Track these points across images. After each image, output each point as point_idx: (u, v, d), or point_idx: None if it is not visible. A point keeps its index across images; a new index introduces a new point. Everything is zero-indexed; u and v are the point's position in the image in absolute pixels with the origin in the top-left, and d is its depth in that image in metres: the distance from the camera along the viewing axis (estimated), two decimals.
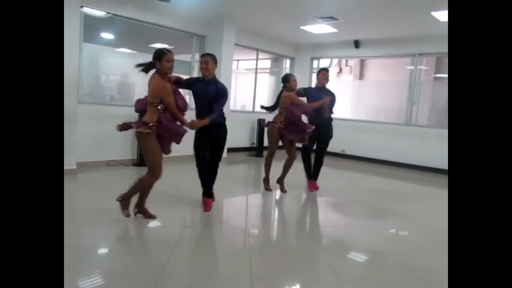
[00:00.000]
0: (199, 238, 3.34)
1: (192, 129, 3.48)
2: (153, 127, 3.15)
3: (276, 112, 4.86)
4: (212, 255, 2.97)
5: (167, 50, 3.24)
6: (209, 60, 3.67)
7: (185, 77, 5.49)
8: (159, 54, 3.19)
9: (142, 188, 3.35)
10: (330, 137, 5.18)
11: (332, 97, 4.99)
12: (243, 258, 2.79)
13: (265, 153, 8.17)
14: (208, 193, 3.93)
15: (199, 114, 3.74)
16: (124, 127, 3.25)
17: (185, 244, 3.06)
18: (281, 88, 4.82)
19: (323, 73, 5.11)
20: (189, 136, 3.51)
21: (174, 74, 3.49)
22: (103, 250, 2.91)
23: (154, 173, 3.26)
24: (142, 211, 3.46)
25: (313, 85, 5.46)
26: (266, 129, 4.86)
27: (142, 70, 3.29)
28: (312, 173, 5.25)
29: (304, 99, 4.92)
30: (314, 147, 5.19)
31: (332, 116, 5.10)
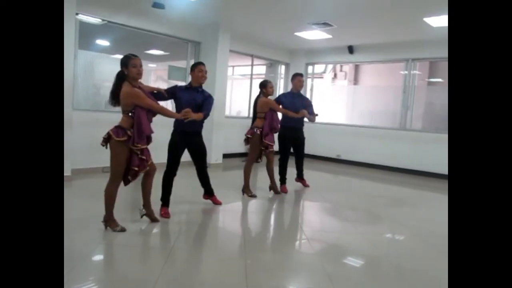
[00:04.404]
0: (194, 244, 3.33)
1: (185, 119, 3.37)
2: (128, 132, 3.13)
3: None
4: (208, 262, 2.96)
5: (133, 55, 3.19)
6: (206, 69, 3.79)
7: (180, 83, 5.52)
8: (125, 60, 3.15)
9: (109, 197, 3.23)
10: (304, 138, 5.44)
11: (307, 102, 5.33)
12: (238, 264, 2.79)
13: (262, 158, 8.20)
14: (166, 202, 3.83)
15: (186, 123, 3.66)
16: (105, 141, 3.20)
17: (180, 251, 3.05)
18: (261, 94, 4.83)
19: (298, 78, 5.26)
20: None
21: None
22: (98, 257, 2.90)
23: (115, 179, 3.22)
24: (110, 222, 3.30)
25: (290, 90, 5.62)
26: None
27: (117, 85, 3.19)
28: (297, 172, 5.59)
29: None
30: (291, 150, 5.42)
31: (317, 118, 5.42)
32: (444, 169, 6.73)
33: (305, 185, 5.62)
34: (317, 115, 5.29)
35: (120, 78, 3.19)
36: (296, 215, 4.60)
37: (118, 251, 3.00)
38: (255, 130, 4.69)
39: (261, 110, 4.69)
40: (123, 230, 3.26)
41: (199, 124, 3.80)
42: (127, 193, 5.24)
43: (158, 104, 3.29)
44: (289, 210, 4.72)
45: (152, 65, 7.89)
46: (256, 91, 8.86)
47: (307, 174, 5.61)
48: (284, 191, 5.23)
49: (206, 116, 3.68)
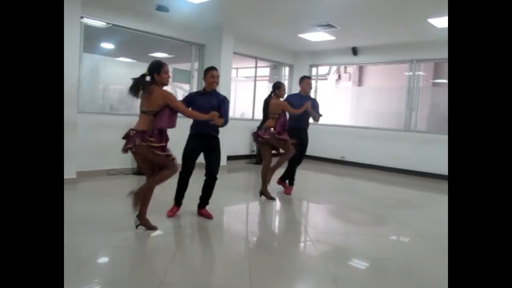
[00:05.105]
0: (198, 246, 3.34)
1: (211, 120, 3.49)
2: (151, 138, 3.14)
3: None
4: (212, 264, 2.97)
5: (163, 62, 3.31)
6: (218, 74, 3.85)
7: (184, 86, 5.53)
8: (158, 67, 3.25)
9: (163, 179, 3.31)
10: (307, 140, 5.36)
11: (315, 102, 5.28)
12: (242, 267, 2.79)
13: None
14: (178, 202, 3.91)
15: (200, 126, 3.77)
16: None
17: (184, 253, 3.06)
18: (273, 95, 4.88)
19: (307, 81, 5.27)
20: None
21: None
22: (103, 260, 2.91)
23: (175, 167, 3.32)
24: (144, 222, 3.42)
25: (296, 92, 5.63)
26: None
27: (141, 87, 3.22)
28: (284, 174, 5.38)
29: None
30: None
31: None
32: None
33: (288, 192, 5.35)
34: (321, 115, 5.29)
35: (144, 80, 3.23)
36: (300, 217, 4.59)
37: (123, 253, 3.00)
38: (271, 130, 4.73)
39: (274, 111, 4.76)
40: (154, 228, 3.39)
41: (214, 127, 3.82)
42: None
43: (185, 108, 3.42)
44: (293, 212, 4.71)
45: None
46: (259, 93, 8.92)
47: (310, 175, 5.59)
48: (288, 192, 5.23)
49: (226, 122, 3.74)
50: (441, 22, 5.78)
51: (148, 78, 3.25)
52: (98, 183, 5.34)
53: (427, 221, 4.40)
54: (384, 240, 3.71)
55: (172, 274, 2.60)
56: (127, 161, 6.18)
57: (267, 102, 4.82)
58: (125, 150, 3.22)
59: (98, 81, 6.18)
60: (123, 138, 3.21)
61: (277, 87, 4.83)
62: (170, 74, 3.33)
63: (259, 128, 4.86)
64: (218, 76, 3.84)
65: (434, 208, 5.23)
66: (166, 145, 3.29)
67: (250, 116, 8.84)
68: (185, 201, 3.99)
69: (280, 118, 4.74)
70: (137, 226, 3.44)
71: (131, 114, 6.43)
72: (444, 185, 6.58)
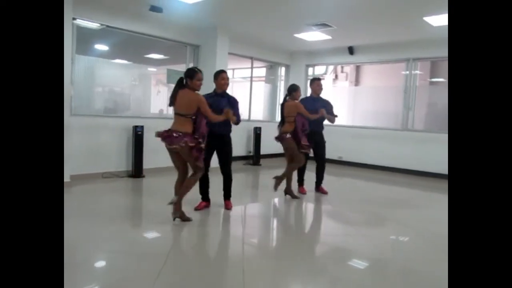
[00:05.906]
0: (193, 249, 3.29)
1: (228, 116, 3.76)
2: (199, 139, 3.51)
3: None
4: (206, 267, 2.91)
5: (199, 69, 3.61)
6: (228, 76, 4.11)
7: None
8: (193, 73, 3.54)
9: (189, 187, 3.65)
10: (325, 142, 5.38)
11: (328, 105, 5.26)
12: (237, 269, 2.74)
13: (263, 162, 8.17)
14: (203, 197, 4.24)
15: (214, 127, 3.92)
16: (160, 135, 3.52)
17: (179, 255, 3.01)
18: (283, 96, 4.98)
19: (317, 83, 5.27)
20: None
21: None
22: (96, 264, 2.86)
23: (200, 171, 3.64)
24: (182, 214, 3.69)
25: (307, 94, 5.63)
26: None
27: (179, 87, 3.56)
28: (317, 179, 5.45)
29: None
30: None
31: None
32: (447, 169, 6.66)
33: (323, 192, 5.43)
34: (336, 116, 5.27)
35: (180, 85, 3.55)
36: (299, 218, 4.55)
37: (117, 257, 2.95)
38: (286, 135, 4.73)
39: (289, 114, 4.74)
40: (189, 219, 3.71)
41: (225, 128, 4.10)
42: (130, 200, 5.21)
43: (211, 112, 3.64)
44: (291, 213, 4.66)
45: (152, 69, 7.87)
46: (255, 93, 8.88)
47: (308, 175, 5.53)
48: (303, 192, 5.30)
49: (238, 121, 4.07)
50: (438, 20, 5.75)
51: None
52: (92, 186, 5.28)
53: (426, 221, 4.36)
54: (384, 240, 3.67)
55: (164, 277, 2.55)
56: (122, 163, 6.13)
57: (283, 106, 4.84)
58: (170, 149, 3.52)
59: (92, 83, 6.11)
60: (159, 136, 3.49)
61: (293, 89, 4.83)
62: (202, 82, 3.63)
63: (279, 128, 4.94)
64: (228, 78, 4.12)
65: (432, 208, 5.19)
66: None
67: (246, 117, 8.79)
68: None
69: (297, 122, 4.74)
70: (174, 219, 3.63)
71: (126, 116, 6.40)
72: (442, 184, 6.55)
